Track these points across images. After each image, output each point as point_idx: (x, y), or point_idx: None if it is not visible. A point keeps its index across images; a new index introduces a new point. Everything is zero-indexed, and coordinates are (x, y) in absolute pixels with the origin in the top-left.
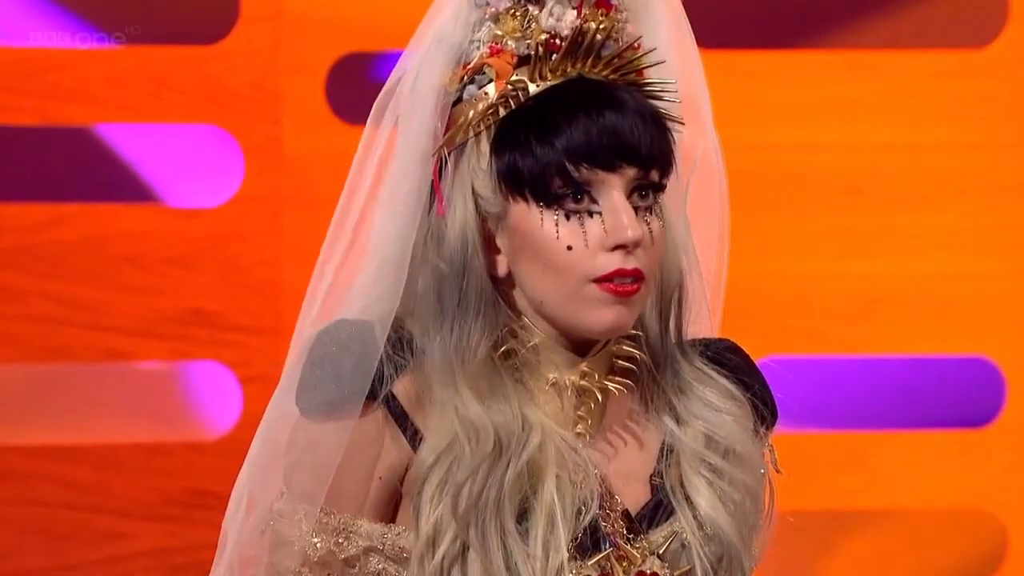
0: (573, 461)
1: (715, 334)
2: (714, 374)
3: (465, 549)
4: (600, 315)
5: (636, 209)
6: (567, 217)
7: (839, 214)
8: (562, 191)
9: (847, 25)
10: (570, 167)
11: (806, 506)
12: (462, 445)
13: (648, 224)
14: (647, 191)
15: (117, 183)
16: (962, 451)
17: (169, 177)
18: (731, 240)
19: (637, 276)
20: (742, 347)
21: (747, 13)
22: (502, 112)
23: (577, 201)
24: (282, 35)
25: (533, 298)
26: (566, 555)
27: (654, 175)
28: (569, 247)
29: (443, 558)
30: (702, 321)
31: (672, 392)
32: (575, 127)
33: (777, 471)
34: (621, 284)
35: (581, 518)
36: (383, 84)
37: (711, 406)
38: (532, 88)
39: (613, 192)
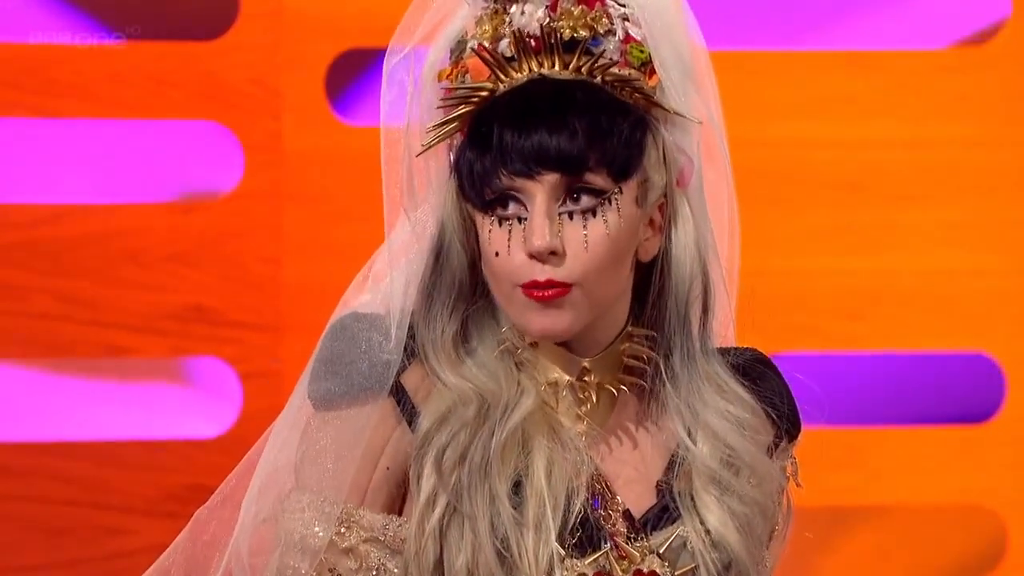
0: (567, 445)
1: (733, 329)
2: (733, 383)
3: (459, 514)
4: (531, 319)
5: (571, 214)
6: (499, 223)
7: (839, 210)
8: (492, 197)
9: (846, 22)
10: (492, 174)
11: (806, 502)
12: (456, 412)
13: (584, 228)
14: (579, 194)
15: (117, 179)
16: (962, 447)
17: (169, 173)
18: None
19: (552, 285)
20: (769, 359)
21: (746, 11)
22: (472, 113)
23: (505, 207)
24: (282, 31)
25: (496, 299)
26: (557, 547)
27: (593, 178)
28: (496, 253)
29: (440, 520)
30: (723, 319)
31: (686, 398)
32: (497, 132)
33: (797, 485)
34: (541, 290)
35: (571, 505)
36: (383, 80)
37: (726, 416)
38: (501, 88)
39: (536, 198)
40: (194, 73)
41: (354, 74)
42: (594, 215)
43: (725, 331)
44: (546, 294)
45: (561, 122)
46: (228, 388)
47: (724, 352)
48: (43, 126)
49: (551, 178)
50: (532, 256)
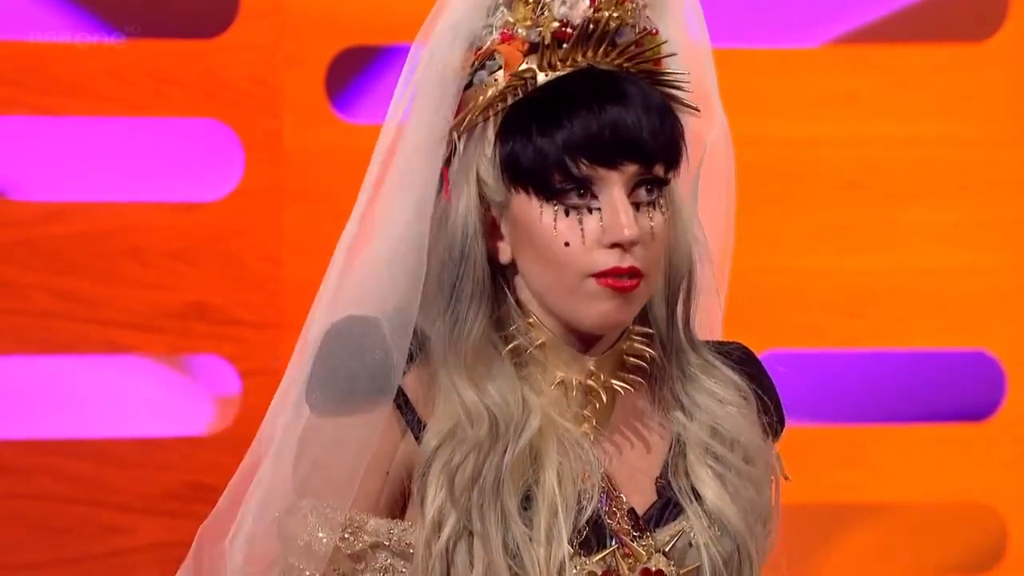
0: (575, 453)
1: (720, 323)
2: (721, 365)
3: (469, 533)
4: (596, 308)
5: (639, 205)
6: (566, 212)
7: (839, 208)
8: (562, 186)
9: (846, 19)
10: (570, 163)
11: (806, 500)
12: (464, 429)
13: (650, 219)
14: (652, 186)
15: (117, 177)
16: (962, 445)
17: (169, 171)
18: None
19: (634, 273)
20: (754, 352)
21: (745, 8)
22: (509, 100)
23: (580, 196)
24: (282, 29)
25: (534, 289)
26: (568, 548)
27: (658, 170)
28: (567, 243)
29: (447, 541)
30: (712, 310)
31: (679, 383)
32: (577, 121)
33: (785, 478)
34: (618, 280)
35: (582, 511)
36: (383, 78)
37: (717, 397)
38: (541, 77)
39: (613, 189)
40: (194, 71)
41: (354, 72)
42: (654, 206)
43: (714, 324)
44: (626, 284)
45: (644, 113)
46: (228, 386)
47: (708, 344)
48: (43, 124)
49: (631, 168)
50: (617, 246)
